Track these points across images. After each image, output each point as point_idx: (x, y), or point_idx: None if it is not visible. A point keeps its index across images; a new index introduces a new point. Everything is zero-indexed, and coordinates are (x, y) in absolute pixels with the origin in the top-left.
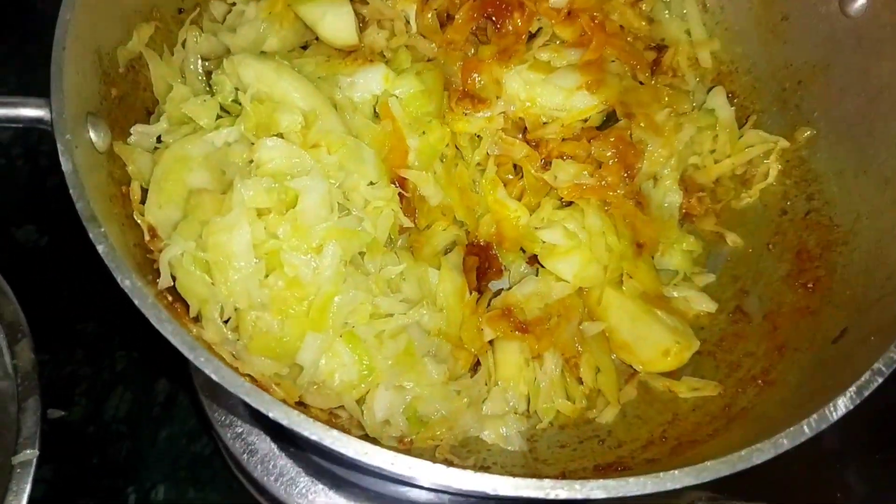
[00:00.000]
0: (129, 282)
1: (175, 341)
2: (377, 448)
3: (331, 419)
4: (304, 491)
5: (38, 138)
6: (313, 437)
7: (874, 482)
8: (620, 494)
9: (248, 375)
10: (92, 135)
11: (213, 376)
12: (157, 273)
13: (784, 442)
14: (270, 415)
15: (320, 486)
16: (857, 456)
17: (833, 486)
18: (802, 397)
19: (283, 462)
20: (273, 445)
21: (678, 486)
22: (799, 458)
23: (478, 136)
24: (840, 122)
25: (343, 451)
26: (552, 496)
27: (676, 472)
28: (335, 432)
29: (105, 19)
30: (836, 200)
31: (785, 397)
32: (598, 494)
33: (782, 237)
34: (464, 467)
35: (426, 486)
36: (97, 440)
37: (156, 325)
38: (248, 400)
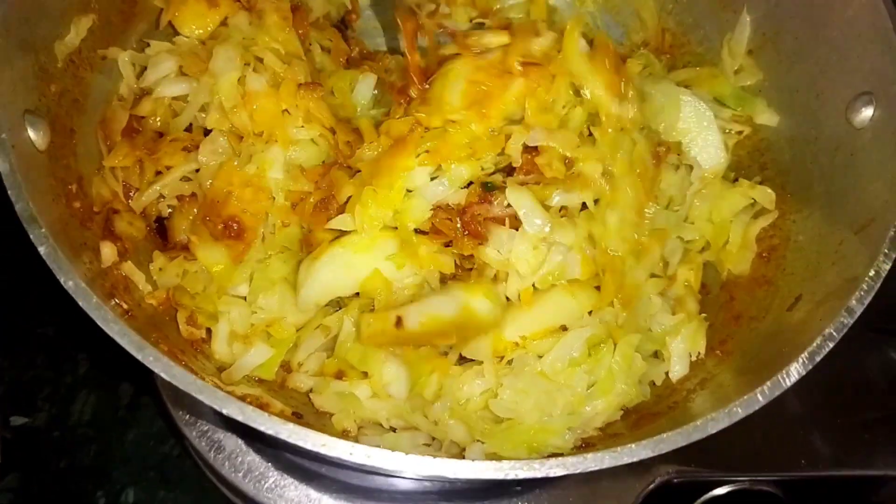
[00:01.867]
0: (73, 283)
1: (122, 342)
2: (335, 440)
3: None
4: (273, 486)
5: None
6: (269, 432)
7: (838, 446)
8: (579, 470)
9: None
10: (31, 133)
11: (164, 375)
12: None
13: (738, 410)
14: (224, 411)
15: (290, 479)
16: (821, 421)
17: (798, 451)
18: (759, 365)
19: (251, 458)
20: (240, 442)
21: (635, 459)
22: (764, 426)
23: None
24: (790, 90)
25: (301, 443)
26: (511, 476)
27: (633, 445)
28: (291, 425)
29: (39, 13)
30: (788, 169)
31: (742, 366)
32: (557, 472)
33: None
34: (421, 454)
35: (385, 474)
36: (63, 445)
37: (102, 325)
38: (201, 398)
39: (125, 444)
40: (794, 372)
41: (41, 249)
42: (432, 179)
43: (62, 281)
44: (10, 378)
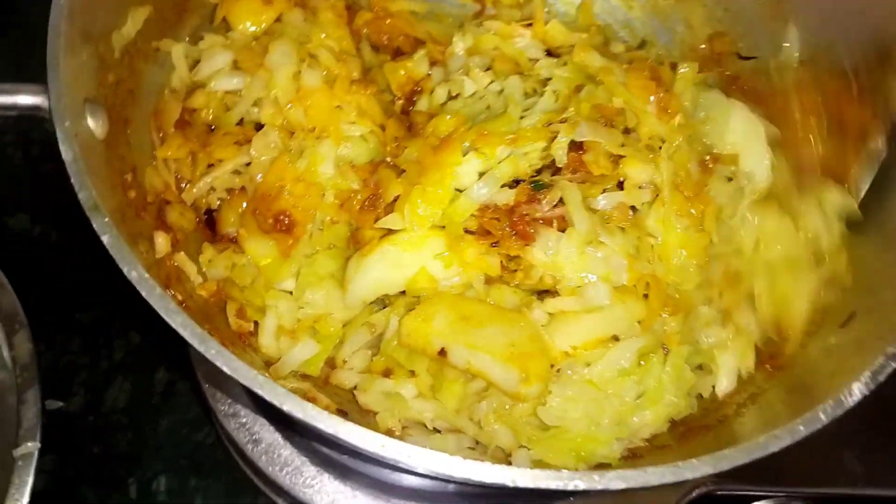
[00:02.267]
0: (136, 273)
1: (185, 333)
2: (391, 440)
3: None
4: (309, 481)
5: (29, 125)
6: (329, 430)
7: (872, 465)
8: (640, 485)
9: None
10: (90, 122)
11: (226, 368)
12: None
13: (801, 429)
14: (284, 408)
15: (326, 475)
16: (855, 439)
17: (833, 468)
18: (812, 383)
19: (288, 452)
20: (277, 435)
21: (697, 475)
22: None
23: None
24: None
25: (360, 444)
26: (571, 487)
27: (695, 461)
28: (350, 425)
29: (100, 3)
30: None
31: (794, 383)
32: (618, 485)
33: None
34: (480, 459)
35: (439, 477)
36: (97, 430)
37: (165, 316)
38: (261, 393)
39: (158, 431)
40: (857, 391)
41: (104, 238)
42: (480, 177)
43: (126, 271)
44: (47, 363)
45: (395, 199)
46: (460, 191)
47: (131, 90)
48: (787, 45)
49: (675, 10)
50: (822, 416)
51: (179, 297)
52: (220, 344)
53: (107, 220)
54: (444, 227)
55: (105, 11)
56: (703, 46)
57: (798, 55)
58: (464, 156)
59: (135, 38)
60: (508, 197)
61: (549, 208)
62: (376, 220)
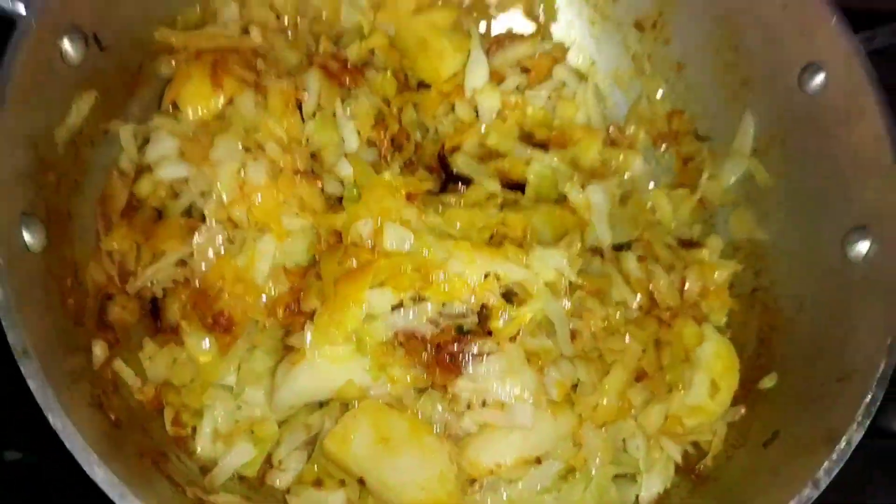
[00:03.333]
0: (60, 423)
1: (106, 488)
2: None
3: None
4: None
5: None
6: None
7: None
8: None
9: None
10: (26, 236)
11: None
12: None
13: None
14: None
15: None
16: None
17: None
18: (733, 501)
19: None
20: None
21: None
22: None
23: None
24: (793, 199)
25: None
26: None
27: None
28: None
29: (39, 103)
30: (782, 282)
31: (717, 497)
32: None
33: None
34: None
35: None
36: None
37: (86, 468)
38: None
39: None
40: None
41: (32, 384)
42: (394, 308)
43: (51, 420)
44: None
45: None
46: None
47: (75, 181)
48: (743, 132)
49: (635, 81)
50: None
51: (113, 416)
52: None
53: (34, 364)
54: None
55: (46, 107)
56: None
57: (752, 144)
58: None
59: (80, 127)
60: (426, 330)
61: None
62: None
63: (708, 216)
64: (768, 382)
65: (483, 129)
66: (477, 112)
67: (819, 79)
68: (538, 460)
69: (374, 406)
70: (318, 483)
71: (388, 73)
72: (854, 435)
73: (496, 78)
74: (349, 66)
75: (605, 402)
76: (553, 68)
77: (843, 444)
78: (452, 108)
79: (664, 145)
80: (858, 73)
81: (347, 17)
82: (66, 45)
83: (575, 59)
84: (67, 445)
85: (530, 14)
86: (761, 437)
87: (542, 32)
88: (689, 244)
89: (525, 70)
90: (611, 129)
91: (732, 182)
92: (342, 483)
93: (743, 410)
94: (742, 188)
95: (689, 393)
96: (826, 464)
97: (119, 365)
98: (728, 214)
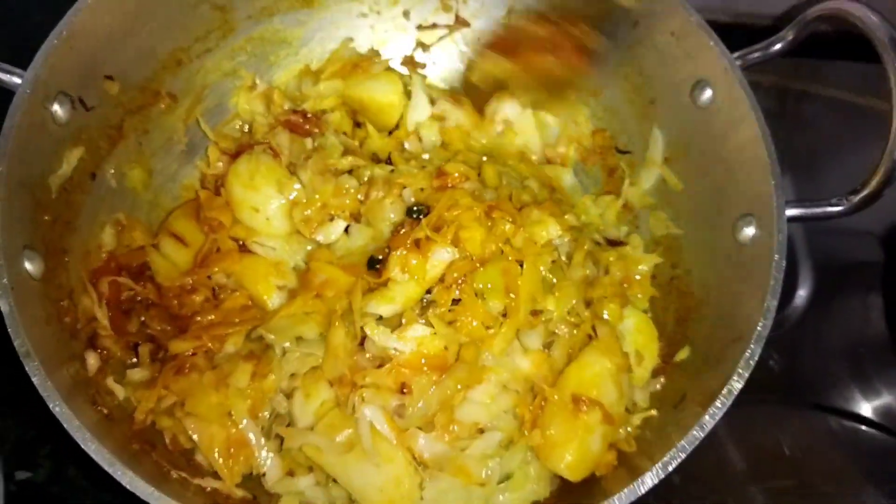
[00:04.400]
0: (60, 408)
1: (98, 458)
2: None
3: None
4: None
5: None
6: None
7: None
8: None
9: None
10: (28, 266)
11: (128, 486)
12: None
13: None
14: None
15: None
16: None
17: None
18: (645, 458)
19: None
20: None
21: None
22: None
23: None
24: (698, 198)
25: None
26: None
27: None
28: None
29: (35, 154)
30: (694, 270)
31: (635, 454)
32: None
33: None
34: None
35: None
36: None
37: (81, 444)
38: None
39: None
40: (649, 480)
41: (34, 379)
42: None
43: (51, 407)
44: (15, 436)
45: None
46: None
47: (68, 222)
48: (654, 144)
49: (563, 109)
50: (617, 501)
51: (106, 411)
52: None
53: (36, 363)
54: None
55: (40, 161)
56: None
57: (662, 153)
58: None
59: (70, 175)
60: None
61: None
62: None
63: (632, 218)
64: (682, 355)
65: (427, 157)
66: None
67: (707, 94)
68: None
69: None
70: (290, 473)
71: (343, 113)
72: (734, 384)
73: (437, 118)
74: (308, 117)
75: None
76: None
77: (725, 391)
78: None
79: (591, 160)
80: (736, 86)
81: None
82: (56, 107)
83: None
84: (65, 426)
85: None
86: (673, 400)
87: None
88: (616, 243)
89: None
90: (546, 149)
91: (648, 187)
92: (310, 469)
93: (663, 380)
94: (657, 192)
95: None
96: (711, 410)
97: (110, 382)
98: (647, 216)
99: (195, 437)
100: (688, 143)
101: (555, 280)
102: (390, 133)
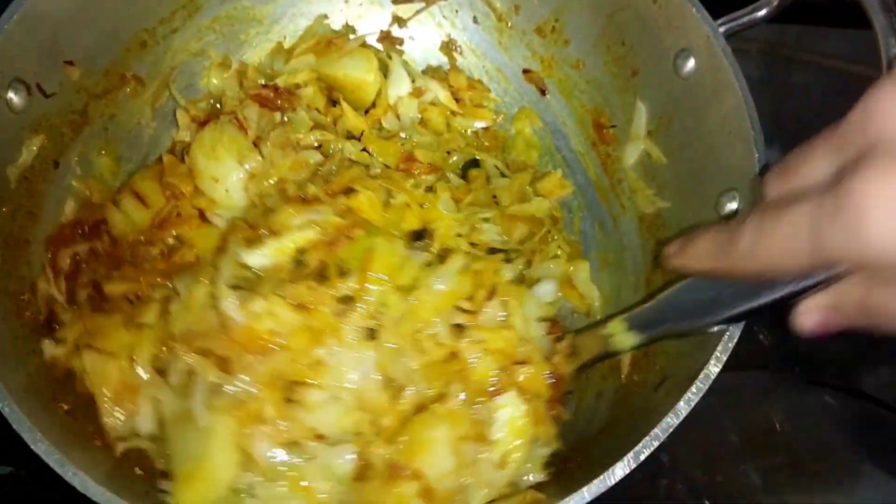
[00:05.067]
0: (9, 409)
1: (49, 461)
2: None
3: None
4: None
5: None
6: None
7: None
8: None
9: None
10: None
11: (79, 488)
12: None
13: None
14: None
15: None
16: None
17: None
18: (622, 444)
19: None
20: None
21: None
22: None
23: None
24: (681, 172)
25: None
26: None
27: None
28: None
29: None
30: None
31: (613, 440)
32: None
33: (637, 277)
34: None
35: None
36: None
37: (30, 444)
38: None
39: None
40: (619, 471)
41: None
42: None
43: (1, 407)
44: None
45: None
46: None
47: (31, 212)
48: (637, 117)
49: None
50: (587, 493)
51: (66, 407)
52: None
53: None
54: None
55: None
56: None
57: (646, 127)
58: None
59: (31, 164)
60: None
61: None
62: None
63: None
64: None
65: (404, 136)
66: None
67: (690, 63)
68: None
69: None
70: None
71: (316, 89)
72: (712, 368)
73: (416, 93)
74: (280, 91)
75: None
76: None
77: (701, 376)
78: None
79: None
80: (719, 55)
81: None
82: (11, 95)
83: (482, 66)
84: (15, 427)
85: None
86: (654, 383)
87: (452, 45)
88: None
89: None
90: None
91: (633, 162)
92: None
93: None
94: (642, 166)
95: None
96: (687, 395)
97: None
98: (635, 192)
99: (89, 370)
100: (671, 116)
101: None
102: (366, 112)
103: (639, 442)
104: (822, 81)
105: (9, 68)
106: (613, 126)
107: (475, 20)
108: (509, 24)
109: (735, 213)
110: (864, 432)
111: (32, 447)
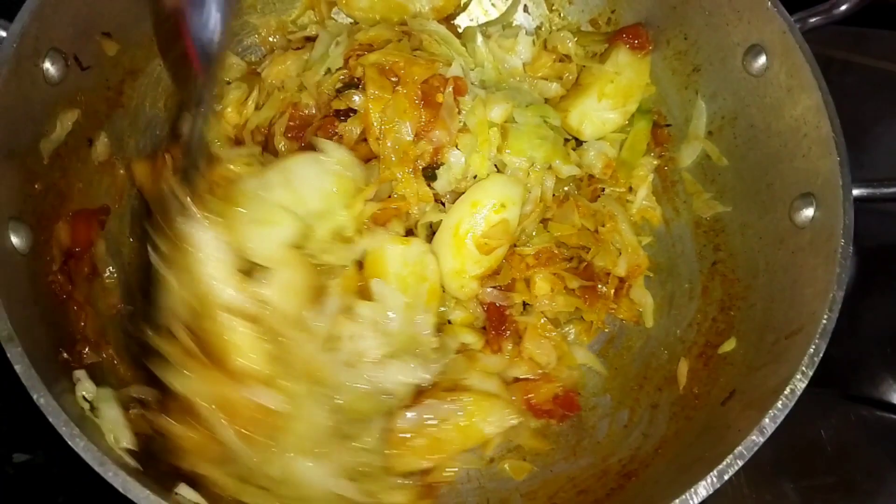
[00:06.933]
0: (44, 400)
1: (86, 457)
2: None
3: None
4: None
5: None
6: None
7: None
8: None
9: None
10: (13, 239)
11: (120, 489)
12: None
13: None
14: None
15: None
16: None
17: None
18: (691, 459)
19: None
20: None
21: None
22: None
23: None
24: (745, 175)
25: None
26: None
27: None
28: None
29: (25, 118)
30: (739, 253)
31: (677, 455)
32: None
33: (692, 285)
34: None
35: None
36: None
37: (68, 440)
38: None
39: None
40: (703, 491)
41: (17, 368)
42: None
43: (35, 397)
44: (12, 417)
45: None
46: None
47: (61, 192)
48: (697, 116)
49: None
50: None
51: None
52: (118, 469)
53: (19, 349)
54: None
55: (30, 124)
56: None
57: (706, 127)
58: None
59: (65, 139)
60: None
61: None
62: None
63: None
64: (728, 347)
65: None
66: None
67: (761, 60)
68: None
69: None
70: None
71: None
72: (798, 384)
73: None
74: None
75: None
76: None
77: (787, 391)
78: None
79: None
80: (796, 51)
81: None
82: (48, 65)
83: None
84: (51, 421)
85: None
86: (720, 397)
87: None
88: None
89: None
90: None
91: (690, 163)
92: None
93: None
94: (699, 168)
95: None
96: (772, 412)
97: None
98: (691, 195)
99: None
100: (735, 115)
101: None
102: None
103: (721, 460)
104: (876, 85)
105: (46, 36)
106: (668, 125)
107: (525, 9)
108: (562, 15)
109: (813, 219)
110: None
111: (70, 443)
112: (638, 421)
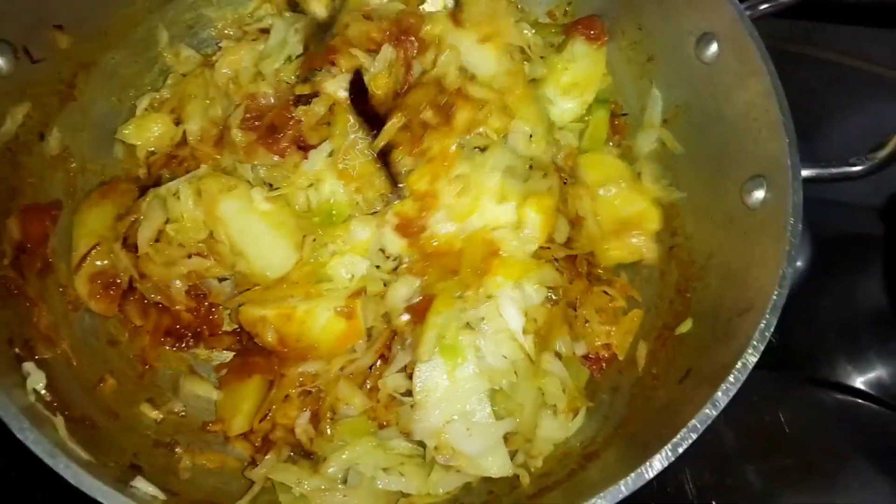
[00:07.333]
0: None
1: (36, 449)
2: None
3: None
4: None
5: None
6: None
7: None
8: None
9: None
10: None
11: (72, 481)
12: None
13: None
14: None
15: None
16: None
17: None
18: (649, 436)
19: None
20: None
21: None
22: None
23: None
24: (699, 160)
25: None
26: None
27: None
28: None
29: None
30: (694, 237)
31: (636, 434)
32: None
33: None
34: None
35: None
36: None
37: (17, 433)
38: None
39: None
40: (658, 464)
41: None
42: None
43: None
44: None
45: None
46: None
47: (14, 186)
48: (652, 104)
49: None
50: (623, 488)
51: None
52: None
53: None
54: None
55: None
56: None
57: (661, 115)
58: None
59: (16, 133)
60: None
61: None
62: None
63: None
64: (684, 328)
65: None
66: None
67: (713, 48)
68: None
69: None
70: None
71: None
72: (749, 358)
73: None
74: None
75: None
76: None
77: (739, 365)
78: None
79: None
80: (745, 38)
81: None
82: None
83: None
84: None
85: None
86: (677, 376)
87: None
88: None
89: None
90: None
91: (647, 151)
92: None
93: None
94: (656, 155)
95: None
96: (724, 385)
97: None
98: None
99: None
100: (689, 103)
101: None
102: None
103: (676, 434)
104: (826, 77)
105: None
106: (625, 114)
107: None
108: (518, 7)
109: (763, 200)
110: (862, 431)
111: (18, 435)
112: (599, 405)
